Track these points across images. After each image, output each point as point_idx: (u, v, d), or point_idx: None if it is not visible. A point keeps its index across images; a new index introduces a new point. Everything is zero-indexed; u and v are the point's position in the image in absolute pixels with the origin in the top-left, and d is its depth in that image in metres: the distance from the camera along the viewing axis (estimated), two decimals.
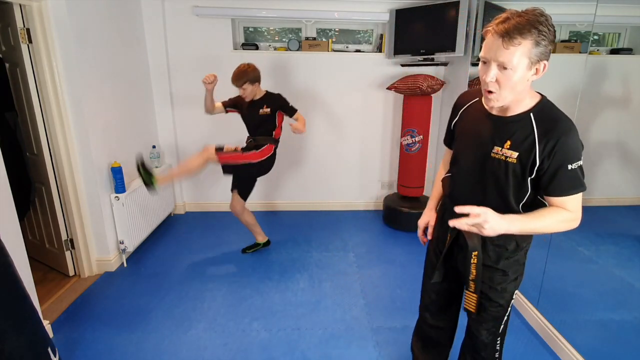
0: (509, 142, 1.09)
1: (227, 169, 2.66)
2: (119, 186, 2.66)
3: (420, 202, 3.45)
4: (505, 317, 1.31)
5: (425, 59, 3.25)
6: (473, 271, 1.20)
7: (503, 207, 1.11)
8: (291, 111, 2.74)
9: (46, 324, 2.04)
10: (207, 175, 3.72)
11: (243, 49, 3.44)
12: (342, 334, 2.10)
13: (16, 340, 0.77)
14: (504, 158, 1.10)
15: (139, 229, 2.89)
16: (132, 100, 3.03)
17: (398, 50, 3.27)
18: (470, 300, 1.26)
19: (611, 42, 2.83)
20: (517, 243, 1.22)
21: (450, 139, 1.38)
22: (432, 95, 3.29)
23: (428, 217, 1.44)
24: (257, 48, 3.46)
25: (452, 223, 1.04)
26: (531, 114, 1.07)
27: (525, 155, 1.07)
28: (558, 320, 2.02)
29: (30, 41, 2.23)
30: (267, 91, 2.71)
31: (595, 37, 2.75)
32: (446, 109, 3.56)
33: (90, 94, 2.49)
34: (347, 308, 2.33)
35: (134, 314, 2.24)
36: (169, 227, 3.45)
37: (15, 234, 1.84)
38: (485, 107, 1.16)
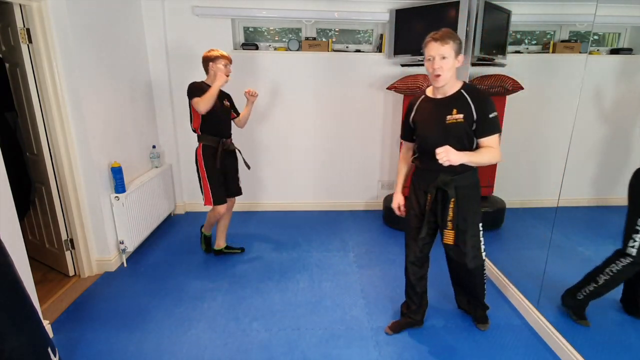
0: (455, 110, 1.68)
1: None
2: (119, 186, 2.66)
3: None
4: (482, 246, 1.87)
5: None
6: (450, 213, 1.74)
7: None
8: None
9: (46, 324, 2.04)
10: None
11: (243, 49, 3.44)
12: (342, 334, 2.10)
13: (16, 340, 0.77)
14: (455, 121, 1.67)
15: (139, 229, 2.90)
16: (132, 100, 3.03)
17: (398, 50, 3.27)
18: (448, 235, 1.78)
19: (611, 42, 2.83)
20: (475, 183, 1.80)
21: (409, 133, 1.92)
22: None
23: (399, 199, 1.99)
24: (257, 48, 3.46)
25: (441, 161, 1.57)
26: (462, 91, 1.69)
27: (467, 115, 1.66)
28: (558, 320, 2.02)
29: (30, 41, 2.23)
30: None
31: (595, 37, 2.75)
32: None
33: (90, 94, 2.49)
34: (347, 308, 2.33)
35: (134, 314, 2.24)
36: (169, 227, 3.45)
37: (15, 234, 1.84)
38: (430, 95, 1.78)
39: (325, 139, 3.70)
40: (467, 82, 1.73)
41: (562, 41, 3.03)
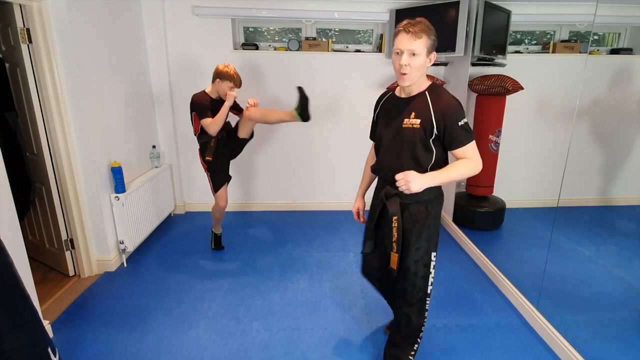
0: (413, 114, 1.45)
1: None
2: (119, 186, 2.66)
3: None
4: (431, 279, 1.58)
5: None
6: (395, 234, 1.50)
7: (416, 169, 1.44)
8: None
9: (46, 324, 2.04)
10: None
11: (243, 49, 3.44)
12: (342, 334, 2.10)
13: (16, 340, 0.77)
14: (411, 126, 1.45)
15: (139, 229, 2.90)
16: (132, 100, 3.03)
17: None
18: (394, 259, 1.53)
19: (611, 42, 2.83)
20: (427, 209, 1.51)
21: (374, 132, 1.74)
22: None
23: (358, 204, 1.84)
24: (257, 48, 3.46)
25: (401, 189, 1.36)
26: (426, 92, 1.46)
27: (425, 120, 1.42)
28: (558, 320, 2.02)
29: (30, 41, 2.23)
30: None
31: (595, 37, 2.75)
32: None
33: (90, 94, 2.49)
34: (347, 308, 2.33)
35: (134, 314, 2.24)
36: (169, 227, 3.45)
37: (15, 234, 1.84)
38: (397, 93, 1.55)
39: (325, 139, 3.70)
40: (436, 82, 1.52)
41: (562, 41, 3.03)
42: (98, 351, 1.95)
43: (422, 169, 1.46)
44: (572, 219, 2.87)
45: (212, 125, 2.47)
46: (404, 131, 1.46)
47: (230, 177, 2.84)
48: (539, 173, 3.18)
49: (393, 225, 1.48)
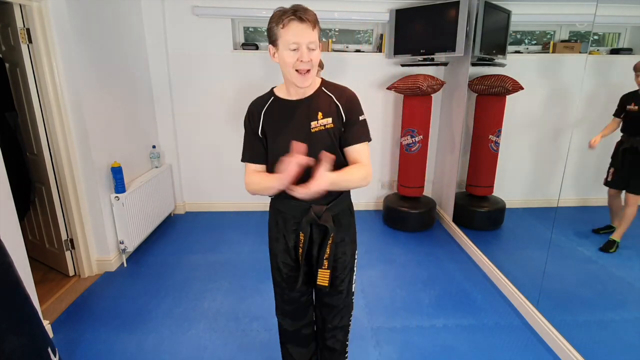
0: (320, 114, 1.27)
1: None
2: (119, 186, 2.66)
3: (420, 202, 3.45)
4: (354, 278, 1.49)
5: (425, 59, 3.25)
6: (328, 250, 1.34)
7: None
8: None
9: (46, 324, 2.05)
10: (207, 175, 3.72)
11: (243, 49, 3.44)
12: None
13: (16, 340, 0.77)
14: (323, 127, 1.27)
15: (139, 229, 2.89)
16: (132, 100, 3.03)
17: (398, 50, 3.27)
18: (324, 276, 1.37)
19: (611, 42, 2.83)
20: (350, 211, 1.42)
21: (262, 151, 1.37)
22: (432, 95, 3.29)
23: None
24: (257, 48, 3.46)
25: (301, 196, 1.13)
26: (323, 88, 1.33)
27: (335, 117, 1.28)
28: (558, 320, 2.02)
29: (30, 41, 2.23)
30: None
31: (595, 37, 2.75)
32: (446, 109, 3.56)
33: (90, 94, 2.49)
34: None
35: (134, 314, 2.24)
36: (169, 227, 3.45)
37: (15, 234, 1.84)
38: (282, 96, 1.32)
39: None
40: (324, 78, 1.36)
41: (562, 41, 3.03)
42: (98, 351, 1.95)
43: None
44: (572, 219, 2.87)
45: None
46: (315, 137, 1.25)
47: None
48: (539, 173, 3.18)
49: (329, 242, 1.32)
